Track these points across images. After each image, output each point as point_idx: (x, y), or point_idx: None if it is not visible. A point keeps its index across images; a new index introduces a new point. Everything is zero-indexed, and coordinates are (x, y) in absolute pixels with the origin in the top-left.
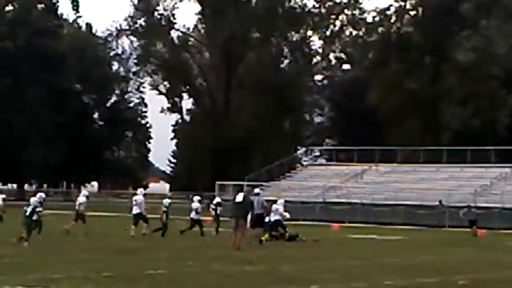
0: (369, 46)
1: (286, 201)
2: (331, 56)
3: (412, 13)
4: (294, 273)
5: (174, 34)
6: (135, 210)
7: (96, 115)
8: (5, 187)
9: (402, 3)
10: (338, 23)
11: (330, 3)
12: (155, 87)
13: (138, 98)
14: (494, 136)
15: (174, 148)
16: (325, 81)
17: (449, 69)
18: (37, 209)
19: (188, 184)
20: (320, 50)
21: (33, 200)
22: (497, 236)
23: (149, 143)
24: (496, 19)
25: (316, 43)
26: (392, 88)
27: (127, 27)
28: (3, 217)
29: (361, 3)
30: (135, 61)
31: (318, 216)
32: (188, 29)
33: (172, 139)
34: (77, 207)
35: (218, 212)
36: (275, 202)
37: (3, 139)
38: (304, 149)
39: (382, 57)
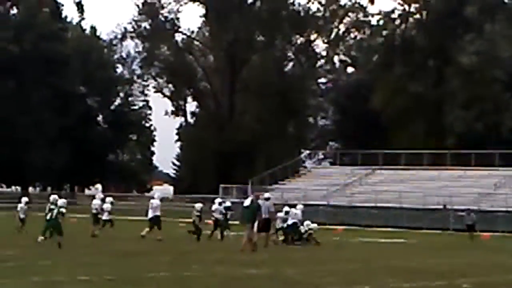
0: (373, 49)
1: (289, 205)
2: (335, 59)
3: (416, 16)
4: (298, 276)
5: (178, 37)
6: (151, 214)
7: (100, 118)
8: (8, 189)
9: (406, 7)
10: (342, 26)
11: (334, 7)
12: (159, 90)
13: (142, 101)
14: (498, 139)
15: (178, 151)
16: (329, 84)
17: (453, 73)
18: (62, 210)
19: (192, 186)
20: (324, 53)
21: (60, 202)
22: (501, 239)
23: (153, 146)
24: (500, 23)
25: (320, 46)
26: (396, 91)
27: (131, 30)
28: (25, 221)
29: (365, 7)
30: (140, 64)
31: (321, 219)
32: (193, 32)
33: (176, 141)
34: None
35: (228, 216)
36: (294, 206)
37: (8, 142)
38: (308, 152)
39: (386, 60)
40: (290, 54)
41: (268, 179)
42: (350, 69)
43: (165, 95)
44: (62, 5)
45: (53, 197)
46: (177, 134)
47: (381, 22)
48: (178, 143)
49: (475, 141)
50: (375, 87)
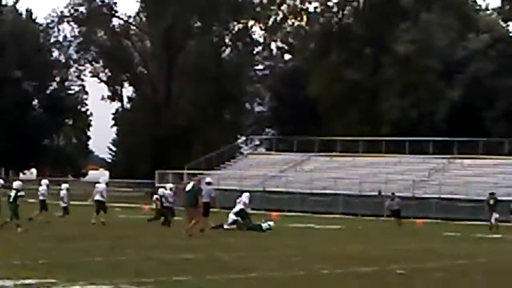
0: (310, 37)
1: (225, 190)
2: (273, 46)
3: (353, 4)
4: (233, 261)
5: (115, 21)
6: (96, 197)
7: (35, 102)
8: None
9: None
10: (279, 13)
11: None
12: (95, 74)
13: (78, 86)
14: (432, 127)
15: (114, 136)
16: (266, 71)
17: (389, 61)
18: (20, 194)
19: (128, 172)
20: (261, 40)
21: (16, 184)
22: (434, 226)
23: (89, 130)
24: (436, 12)
25: (258, 33)
26: (333, 78)
27: (68, 14)
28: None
29: None
30: (76, 48)
31: (257, 205)
32: (130, 17)
33: (112, 126)
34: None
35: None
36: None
37: None
38: (244, 138)
39: (323, 47)
40: (227, 40)
41: (204, 164)
42: (287, 56)
43: (101, 80)
44: None
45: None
46: (113, 119)
47: (318, 10)
48: (114, 128)
49: (409, 128)
50: (311, 74)
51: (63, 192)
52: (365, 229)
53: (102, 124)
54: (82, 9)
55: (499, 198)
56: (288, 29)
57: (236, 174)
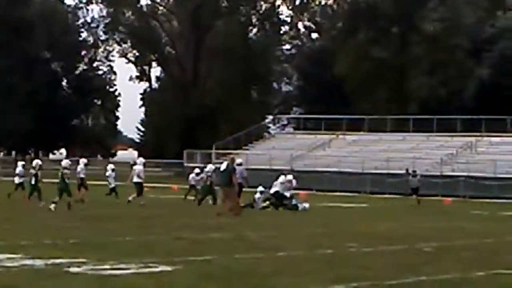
0: (338, 15)
1: (253, 169)
2: (300, 25)
3: None
4: (261, 240)
5: (143, 2)
6: (135, 179)
7: (64, 83)
8: None
9: None
10: None
11: None
12: (123, 55)
13: (106, 66)
14: (461, 106)
15: (143, 116)
16: (294, 50)
17: (417, 39)
18: (65, 171)
19: (156, 151)
20: (288, 20)
21: (64, 162)
22: (462, 204)
23: (118, 111)
24: None
25: (285, 12)
26: (360, 57)
27: None
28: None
29: None
30: (104, 29)
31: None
32: None
33: (140, 107)
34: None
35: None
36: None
37: None
38: (272, 117)
39: (350, 26)
40: (254, 20)
41: (232, 144)
42: (314, 35)
43: (129, 60)
44: None
45: (35, 161)
46: (141, 99)
47: None
48: (143, 108)
49: (437, 107)
50: (339, 53)
51: (109, 173)
52: (393, 208)
53: (131, 104)
54: None
55: None
56: (315, 8)
57: (264, 154)
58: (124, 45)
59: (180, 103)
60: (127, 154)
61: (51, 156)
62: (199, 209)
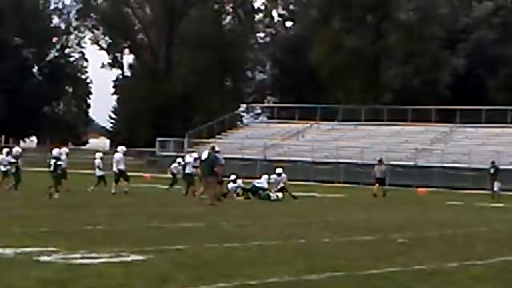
0: (312, 3)
1: (226, 158)
2: (274, 13)
3: None
4: (233, 229)
5: None
6: (115, 167)
7: (35, 70)
8: None
9: None
10: None
11: None
12: (95, 42)
13: (78, 53)
14: (435, 96)
15: (115, 103)
16: (268, 39)
17: (391, 28)
18: (58, 162)
19: (129, 140)
20: (262, 7)
21: (55, 152)
22: (437, 195)
23: (89, 98)
24: None
25: (259, 0)
26: (334, 46)
27: None
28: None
29: None
30: (76, 15)
31: (258, 174)
32: None
33: (112, 94)
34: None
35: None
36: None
37: None
38: (245, 106)
39: (325, 14)
40: (228, 7)
41: (205, 133)
42: (288, 24)
43: (101, 47)
44: None
45: (15, 149)
46: (113, 87)
47: None
48: (115, 96)
49: (412, 97)
50: (313, 41)
51: (97, 161)
52: (367, 198)
53: (102, 92)
54: None
55: (502, 167)
56: None
57: (237, 143)
58: (96, 32)
59: (152, 91)
60: (98, 143)
61: (22, 143)
62: (172, 198)
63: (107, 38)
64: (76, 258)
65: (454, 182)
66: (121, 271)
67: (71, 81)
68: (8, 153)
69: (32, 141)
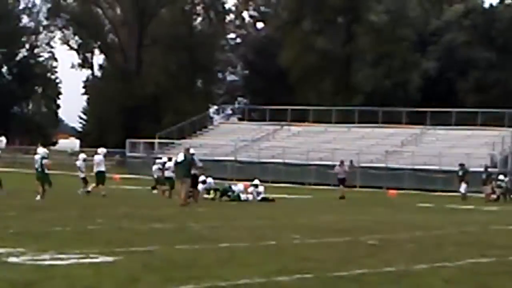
0: (283, 5)
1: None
2: (245, 14)
3: None
4: (203, 231)
5: None
6: (96, 169)
7: (4, 70)
8: None
9: None
10: None
11: None
12: (65, 42)
13: (48, 53)
14: (406, 98)
15: (85, 104)
16: (239, 40)
17: (362, 31)
18: (44, 161)
19: (99, 140)
20: (233, 8)
21: (41, 151)
22: (407, 197)
23: (59, 98)
24: None
25: (230, 1)
26: (305, 48)
27: None
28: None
29: None
30: (45, 15)
31: (229, 175)
32: None
33: (82, 95)
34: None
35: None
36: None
37: None
38: (216, 107)
39: (295, 16)
40: (199, 8)
41: (175, 134)
42: (259, 25)
43: (71, 47)
44: None
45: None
46: (83, 87)
47: None
48: (85, 97)
49: (383, 99)
50: (284, 43)
51: (79, 163)
52: (337, 200)
53: (73, 92)
54: None
55: (472, 169)
56: None
57: (208, 144)
58: (66, 32)
59: (123, 92)
60: (68, 143)
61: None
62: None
63: (77, 38)
64: (44, 260)
65: (425, 184)
66: (90, 273)
67: (41, 81)
68: None
69: (1, 141)
